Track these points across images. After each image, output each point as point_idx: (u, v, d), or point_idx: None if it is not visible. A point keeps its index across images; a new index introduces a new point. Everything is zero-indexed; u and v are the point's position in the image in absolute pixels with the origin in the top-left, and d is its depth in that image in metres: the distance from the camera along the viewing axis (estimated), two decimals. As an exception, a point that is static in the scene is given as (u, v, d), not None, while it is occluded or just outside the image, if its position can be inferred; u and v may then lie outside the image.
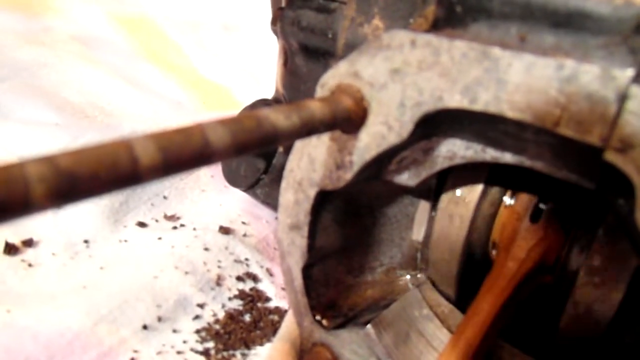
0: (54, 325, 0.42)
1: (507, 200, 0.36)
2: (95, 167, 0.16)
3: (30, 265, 0.49)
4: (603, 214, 0.32)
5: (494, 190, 0.36)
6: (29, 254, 0.50)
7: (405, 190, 0.38)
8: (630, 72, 0.21)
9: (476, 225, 0.36)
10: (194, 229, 0.59)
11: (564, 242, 0.35)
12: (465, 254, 0.37)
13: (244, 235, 0.61)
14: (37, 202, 0.15)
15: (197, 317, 0.48)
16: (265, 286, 0.54)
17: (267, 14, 0.56)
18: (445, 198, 0.36)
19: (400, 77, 0.26)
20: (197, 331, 0.46)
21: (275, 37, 0.54)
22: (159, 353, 0.43)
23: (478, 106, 0.24)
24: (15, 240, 0.50)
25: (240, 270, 0.55)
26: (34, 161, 0.15)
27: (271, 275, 0.56)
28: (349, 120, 0.26)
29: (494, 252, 0.37)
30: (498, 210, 0.36)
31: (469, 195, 0.35)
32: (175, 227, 0.60)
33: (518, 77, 0.23)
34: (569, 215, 0.35)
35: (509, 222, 0.36)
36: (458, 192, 0.36)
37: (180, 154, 0.18)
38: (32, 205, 0.15)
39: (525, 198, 0.36)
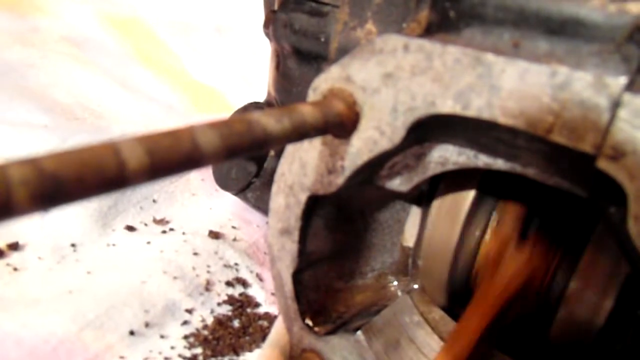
0: (38, 330, 0.41)
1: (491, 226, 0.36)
2: (81, 170, 0.15)
3: (15, 269, 0.48)
4: (591, 227, 0.31)
5: (480, 215, 0.36)
6: (14, 257, 0.50)
7: (397, 196, 0.38)
8: (623, 80, 0.21)
9: (460, 253, 0.36)
10: (184, 233, 0.59)
11: (550, 265, 0.35)
12: (456, 261, 0.36)
13: (234, 239, 0.61)
14: (20, 205, 0.14)
15: (185, 322, 0.47)
16: (255, 291, 0.53)
17: (260, 16, 0.56)
18: (437, 204, 0.36)
19: (393, 81, 0.26)
20: (186, 337, 0.46)
21: (267, 40, 0.53)
22: (145, 359, 0.43)
23: (471, 112, 0.24)
24: (1, 244, 0.50)
25: (230, 275, 0.54)
26: (17, 163, 0.14)
27: (261, 280, 0.55)
28: (341, 124, 0.26)
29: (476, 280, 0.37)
30: (483, 238, 0.36)
31: (461, 201, 0.35)
32: (164, 231, 0.59)
33: (511, 84, 0.23)
34: (556, 236, 0.35)
35: (493, 248, 0.36)
36: (450, 198, 0.36)
37: (168, 157, 0.17)
38: (14, 209, 0.14)
39: (511, 221, 0.36)
